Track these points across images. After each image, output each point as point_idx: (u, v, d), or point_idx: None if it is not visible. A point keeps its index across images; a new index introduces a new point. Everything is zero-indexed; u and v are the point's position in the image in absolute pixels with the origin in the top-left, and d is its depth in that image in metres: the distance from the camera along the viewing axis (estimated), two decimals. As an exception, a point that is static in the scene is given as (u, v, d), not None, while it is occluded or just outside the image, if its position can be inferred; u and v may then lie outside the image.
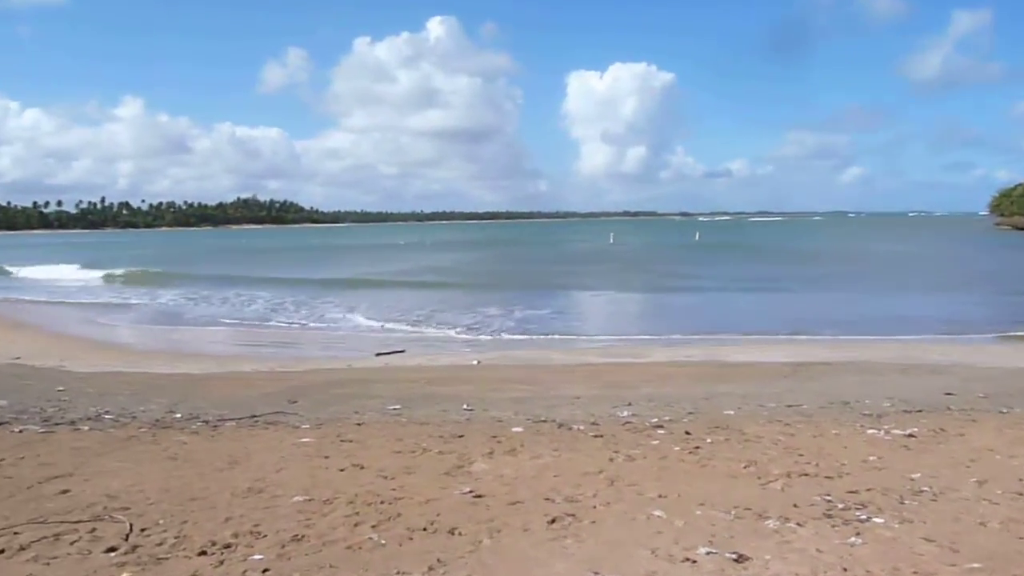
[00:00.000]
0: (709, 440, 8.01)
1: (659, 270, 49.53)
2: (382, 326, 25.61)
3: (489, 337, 22.83)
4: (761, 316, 26.82)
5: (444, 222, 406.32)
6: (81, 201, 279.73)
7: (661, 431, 8.55)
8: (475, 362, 17.24)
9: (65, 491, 6.23)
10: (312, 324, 26.59)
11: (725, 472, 6.80)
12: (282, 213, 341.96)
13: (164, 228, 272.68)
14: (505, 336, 22.94)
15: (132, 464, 7.13)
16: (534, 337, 22.41)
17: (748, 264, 52.94)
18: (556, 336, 22.65)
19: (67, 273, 48.72)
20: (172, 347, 21.12)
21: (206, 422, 9.48)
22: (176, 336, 24.08)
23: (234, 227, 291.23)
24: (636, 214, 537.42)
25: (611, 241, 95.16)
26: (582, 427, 8.87)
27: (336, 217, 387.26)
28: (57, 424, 9.11)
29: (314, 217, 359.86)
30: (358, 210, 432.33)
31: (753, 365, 15.66)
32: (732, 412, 9.89)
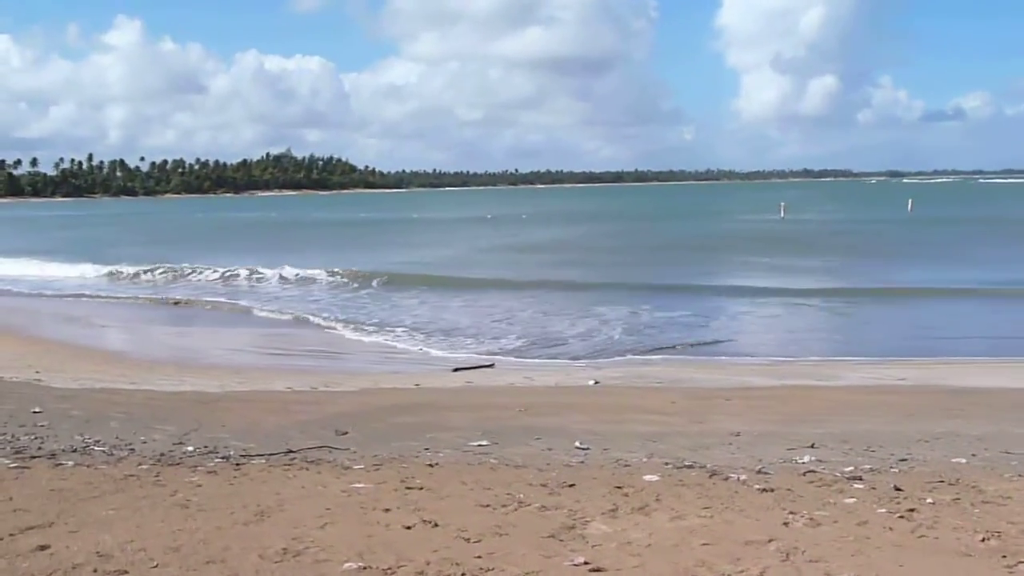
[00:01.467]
0: (929, 500, 7.80)
1: (852, 257, 48.35)
2: (460, 330, 25.91)
3: (610, 348, 22.78)
4: (1006, 326, 25.92)
5: (547, 187, 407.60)
6: (62, 160, 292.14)
7: (858, 485, 8.39)
8: (591, 383, 17.27)
9: (44, 547, 6.52)
10: (367, 328, 27.14)
11: (953, 547, 6.60)
12: (325, 175, 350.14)
13: (170, 196, 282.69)
14: (632, 347, 22.84)
15: (129, 513, 7.41)
16: (673, 352, 22.24)
17: (988, 249, 51.11)
18: (703, 349, 22.43)
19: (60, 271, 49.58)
20: (180, 356, 21.89)
21: (226, 458, 9.76)
22: (185, 342, 24.98)
23: (262, 193, 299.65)
24: (820, 174, 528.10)
25: (782, 215, 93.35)
26: (743, 477, 8.79)
27: (399, 180, 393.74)
28: (33, 457, 9.55)
29: (369, 180, 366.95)
30: (428, 170, 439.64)
31: (995, 393, 15.21)
32: (963, 460, 9.64)
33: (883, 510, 7.52)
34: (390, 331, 26.30)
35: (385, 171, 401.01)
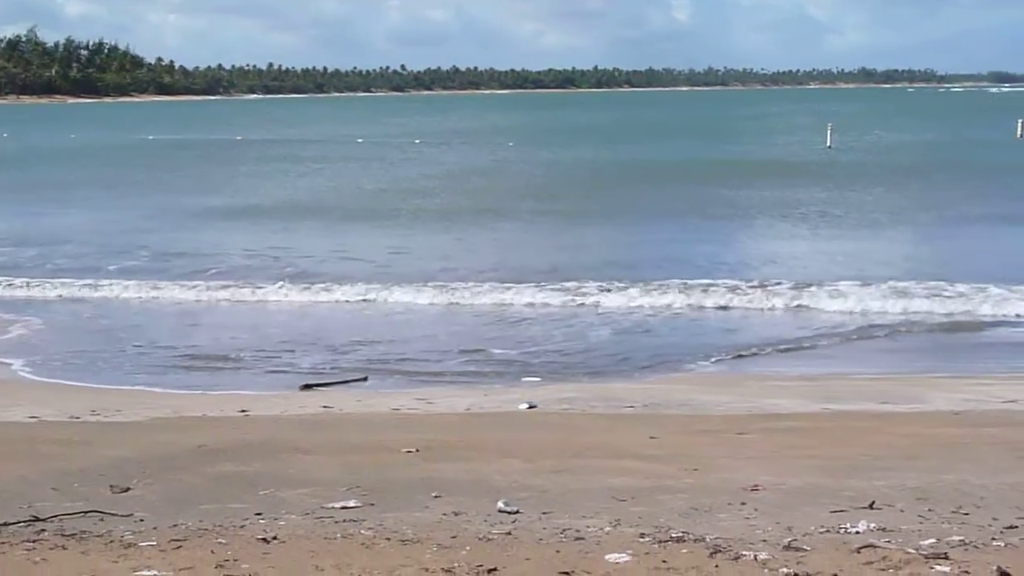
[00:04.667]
0: (1055, 592, 7.90)
1: (936, 212, 48.90)
2: (313, 330, 25.83)
3: (554, 353, 22.82)
4: None
5: (455, 93, 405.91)
6: None
7: (943, 567, 8.50)
8: (523, 406, 17.36)
9: None
10: (166, 298, 27.02)
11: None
12: (94, 72, 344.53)
13: None
14: (590, 352, 22.91)
15: None
16: (655, 360, 22.34)
17: None
18: (703, 354, 22.62)
19: None
20: None
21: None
22: None
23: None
24: (888, 77, 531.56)
25: (828, 143, 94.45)
26: (764, 555, 8.86)
27: (215, 81, 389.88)
28: None
29: (166, 81, 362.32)
30: (263, 66, 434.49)
31: None
32: (1108, 528, 9.78)
33: (982, 608, 7.60)
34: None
35: (193, 67, 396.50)
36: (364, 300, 29.95)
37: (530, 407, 17.18)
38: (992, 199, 51.79)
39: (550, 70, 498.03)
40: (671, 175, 67.01)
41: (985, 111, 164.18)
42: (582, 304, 28.09)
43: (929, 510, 10.44)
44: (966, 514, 10.28)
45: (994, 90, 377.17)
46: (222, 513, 10.47)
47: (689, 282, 29.89)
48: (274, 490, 11.44)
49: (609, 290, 29.30)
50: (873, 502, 10.70)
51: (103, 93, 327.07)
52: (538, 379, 20.66)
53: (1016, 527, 9.78)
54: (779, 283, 30.00)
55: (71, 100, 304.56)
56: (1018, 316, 25.76)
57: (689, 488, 11.57)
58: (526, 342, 24.20)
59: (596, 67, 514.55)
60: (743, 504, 10.80)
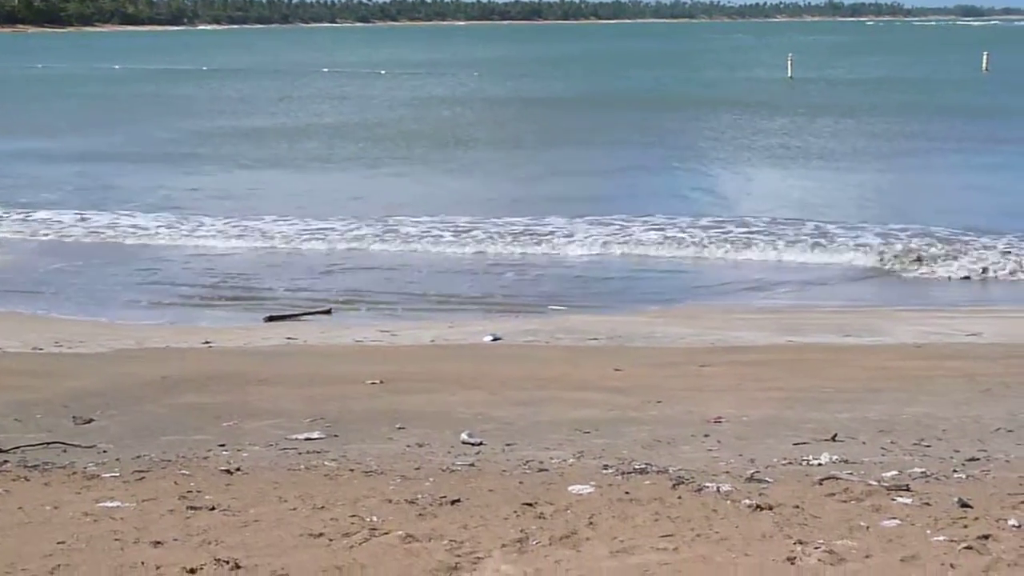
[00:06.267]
0: (1013, 523, 7.92)
1: (897, 145, 49.02)
2: (275, 258, 25.75)
3: (519, 287, 22.79)
4: None
5: (419, 25, 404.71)
6: None
7: (904, 499, 8.50)
8: (488, 338, 17.37)
9: None
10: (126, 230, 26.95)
11: (1050, 594, 6.73)
12: (57, 2, 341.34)
13: None
14: (554, 286, 22.88)
15: None
16: (618, 294, 22.31)
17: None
18: (665, 288, 22.57)
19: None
20: None
21: None
22: None
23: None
24: (855, 10, 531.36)
25: (789, 74, 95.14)
26: (726, 487, 8.86)
27: (178, 12, 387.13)
28: None
29: (129, 12, 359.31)
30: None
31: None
32: (1067, 460, 9.80)
33: (942, 537, 7.60)
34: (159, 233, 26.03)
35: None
36: (322, 236, 29.58)
37: (494, 339, 17.22)
38: (949, 138, 52.03)
39: (516, 1, 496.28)
40: (634, 107, 67.47)
41: (953, 42, 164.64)
42: (543, 240, 27.96)
43: (891, 442, 10.53)
44: (928, 446, 10.37)
45: (962, 23, 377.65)
46: (185, 444, 10.47)
47: (652, 219, 29.82)
48: (237, 421, 11.45)
49: (572, 227, 29.21)
50: (835, 434, 10.79)
51: (66, 23, 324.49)
52: (564, 308, 20.77)
53: (977, 459, 9.85)
54: (743, 220, 30.03)
55: (32, 30, 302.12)
56: (973, 262, 25.78)
57: (652, 420, 11.63)
58: (491, 276, 24.21)
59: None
60: (706, 436, 10.87)
